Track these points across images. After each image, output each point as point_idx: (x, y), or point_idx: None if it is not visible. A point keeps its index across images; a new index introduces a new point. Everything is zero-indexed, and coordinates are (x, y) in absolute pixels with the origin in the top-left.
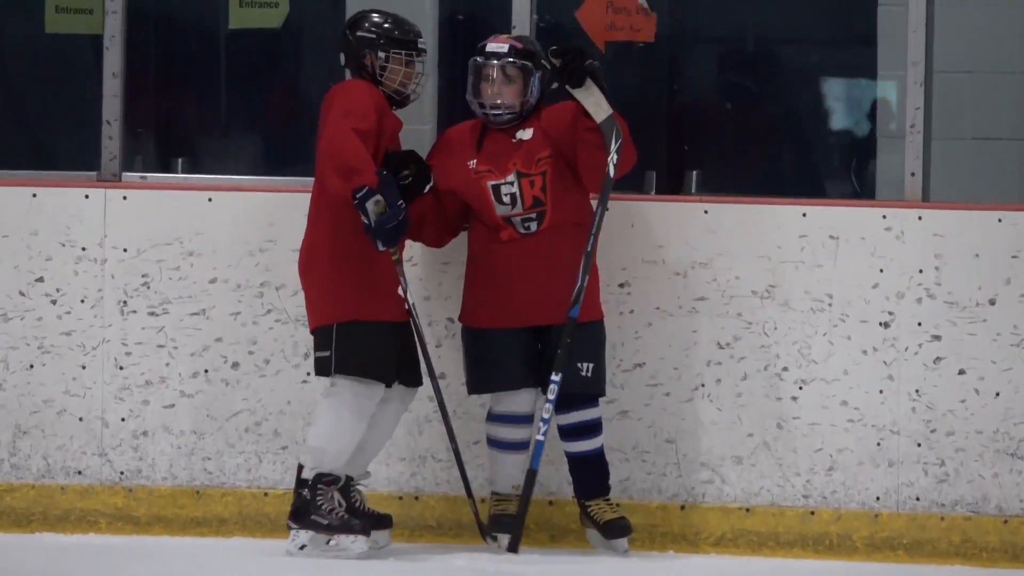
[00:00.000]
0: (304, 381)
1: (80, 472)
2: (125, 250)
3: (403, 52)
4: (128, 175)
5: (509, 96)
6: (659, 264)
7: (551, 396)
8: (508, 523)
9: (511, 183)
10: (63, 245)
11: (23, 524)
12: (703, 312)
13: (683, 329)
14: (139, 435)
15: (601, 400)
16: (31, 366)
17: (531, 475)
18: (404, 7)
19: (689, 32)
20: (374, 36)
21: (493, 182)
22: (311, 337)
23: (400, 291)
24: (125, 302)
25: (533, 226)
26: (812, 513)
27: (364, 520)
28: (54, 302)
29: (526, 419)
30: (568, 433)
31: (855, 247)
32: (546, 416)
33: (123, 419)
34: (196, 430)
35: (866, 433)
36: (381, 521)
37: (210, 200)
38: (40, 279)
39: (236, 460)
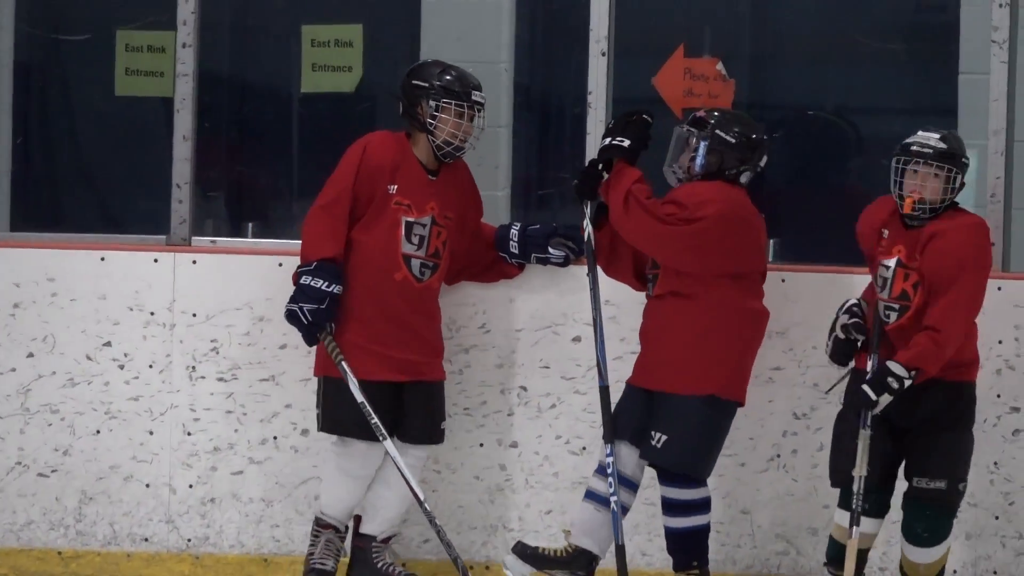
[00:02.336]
0: None
1: (147, 539)
2: (194, 315)
3: (453, 103)
4: (198, 239)
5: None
6: None
7: (608, 469)
8: None
9: None
10: (131, 309)
11: None
12: (779, 382)
13: (759, 399)
14: (207, 502)
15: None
16: (98, 431)
17: (619, 551)
18: (480, 74)
19: (768, 99)
20: (427, 85)
21: None
22: None
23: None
24: (194, 367)
25: (651, 288)
26: None
27: None
28: (122, 367)
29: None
30: (662, 504)
31: None
32: (612, 490)
33: (191, 486)
34: (265, 497)
35: None
36: None
37: (280, 265)
38: (108, 343)
39: (305, 528)
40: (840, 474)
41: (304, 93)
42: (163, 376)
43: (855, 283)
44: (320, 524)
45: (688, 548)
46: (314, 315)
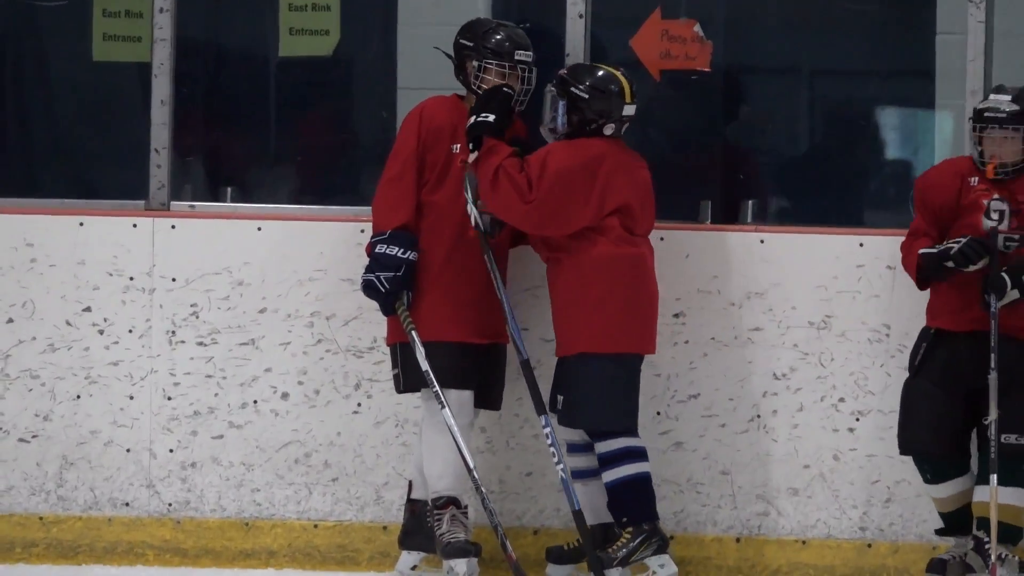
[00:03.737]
0: (355, 412)
1: (127, 504)
2: (173, 279)
3: (495, 63)
4: (177, 204)
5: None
6: (714, 294)
7: (548, 440)
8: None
9: None
10: (111, 275)
11: (70, 556)
12: (759, 343)
13: (738, 360)
14: (187, 466)
15: (657, 432)
16: (78, 396)
17: (577, 516)
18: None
19: (745, 61)
20: (472, 45)
21: None
22: (362, 368)
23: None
24: (173, 332)
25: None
26: (869, 546)
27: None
28: (101, 332)
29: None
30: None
31: None
32: (556, 459)
33: (171, 450)
34: (245, 461)
35: None
36: (464, 550)
37: (259, 229)
38: (87, 309)
39: (286, 492)
40: (912, 443)
41: (281, 58)
42: (143, 341)
43: (833, 243)
44: (437, 505)
45: (620, 505)
46: (391, 283)
